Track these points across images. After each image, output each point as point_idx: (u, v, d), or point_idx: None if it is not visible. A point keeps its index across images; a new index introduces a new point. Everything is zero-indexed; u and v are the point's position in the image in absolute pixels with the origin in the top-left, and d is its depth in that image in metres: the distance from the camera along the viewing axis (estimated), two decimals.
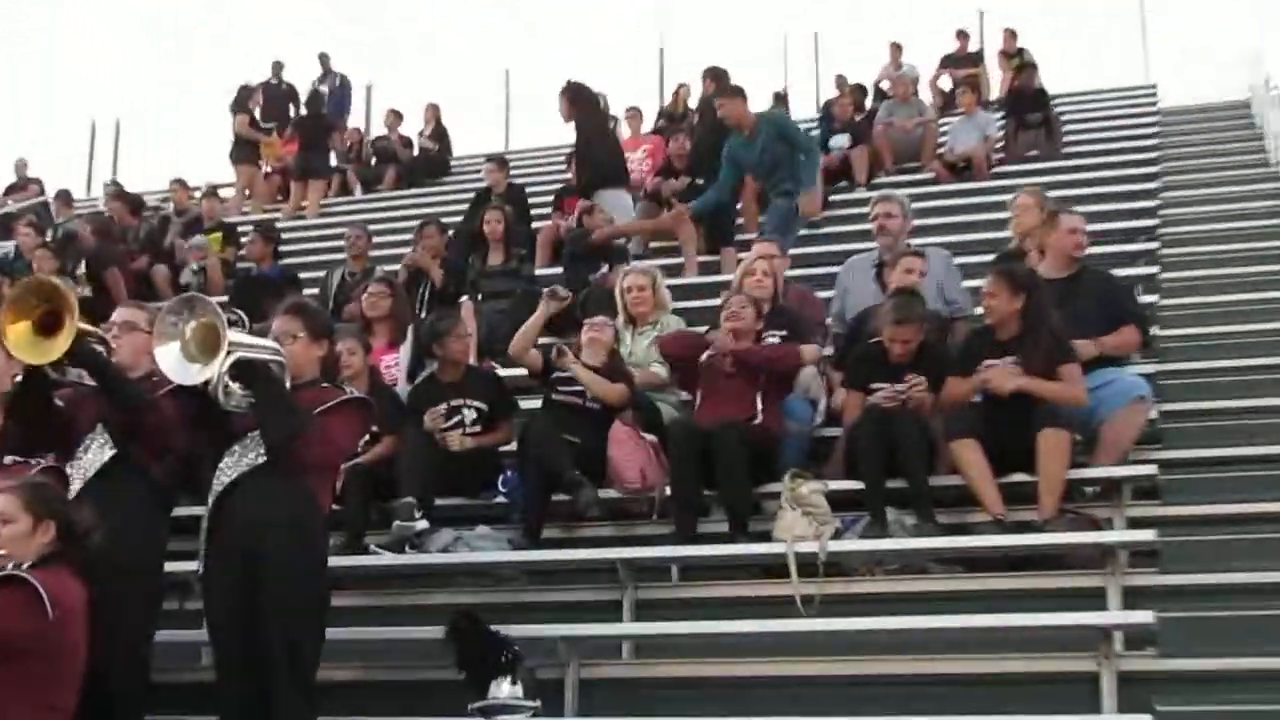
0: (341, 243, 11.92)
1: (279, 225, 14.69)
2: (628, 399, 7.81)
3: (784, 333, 8.03)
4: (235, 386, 5.54)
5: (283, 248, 13.25)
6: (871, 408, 7.19)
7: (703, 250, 11.68)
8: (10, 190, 19.36)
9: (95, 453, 5.75)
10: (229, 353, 5.38)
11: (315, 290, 11.28)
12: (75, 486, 5.63)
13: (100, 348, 5.83)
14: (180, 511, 6.20)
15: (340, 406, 5.79)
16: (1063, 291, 7.51)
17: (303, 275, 12.34)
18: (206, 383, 5.45)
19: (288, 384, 5.69)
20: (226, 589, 5.59)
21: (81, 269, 12.71)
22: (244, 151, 18.27)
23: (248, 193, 18.30)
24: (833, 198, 13.49)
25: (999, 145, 14.95)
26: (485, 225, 10.97)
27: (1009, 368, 6.96)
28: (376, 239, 12.51)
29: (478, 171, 15.60)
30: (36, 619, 4.61)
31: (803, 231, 11.76)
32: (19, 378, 5.80)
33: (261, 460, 5.60)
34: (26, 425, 5.76)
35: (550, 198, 13.68)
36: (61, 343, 5.37)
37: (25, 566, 4.77)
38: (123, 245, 14.32)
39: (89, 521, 4.99)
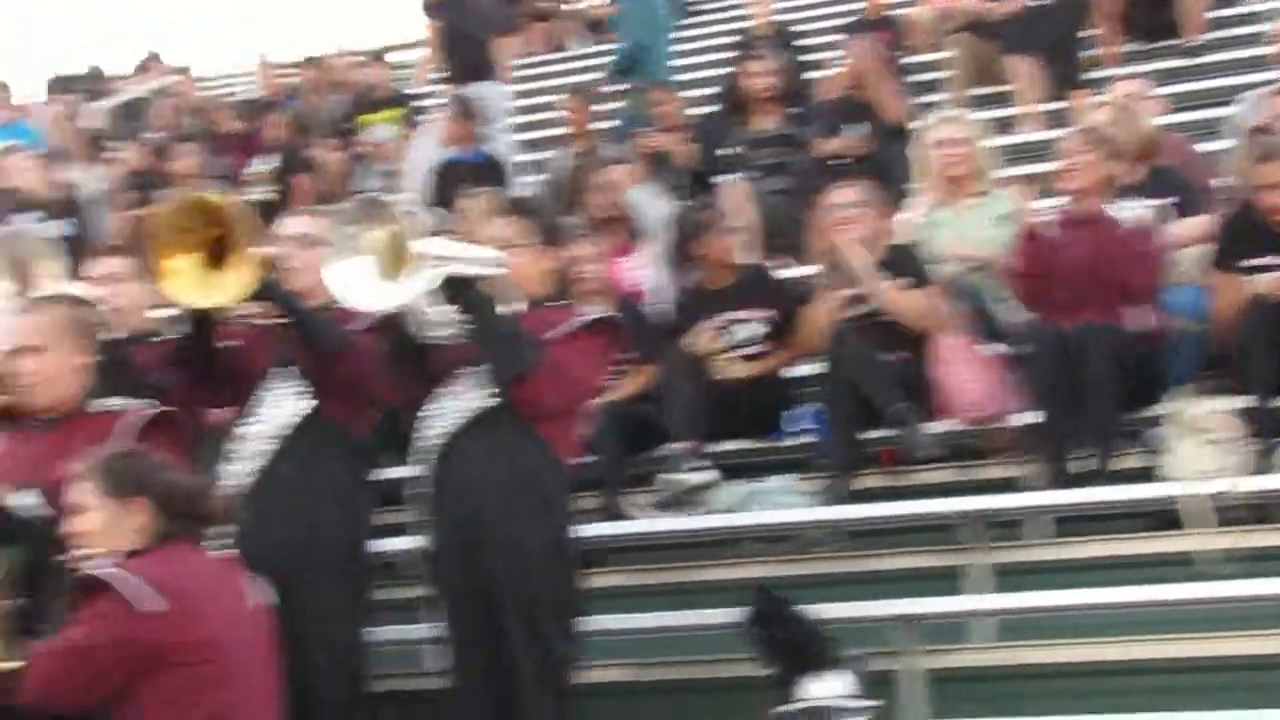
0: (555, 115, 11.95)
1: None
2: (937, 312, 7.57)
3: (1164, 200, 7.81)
4: (439, 312, 5.54)
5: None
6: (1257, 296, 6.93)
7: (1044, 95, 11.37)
8: (138, 72, 19.96)
9: (278, 406, 5.83)
10: (431, 267, 5.31)
11: (536, 179, 11.28)
12: (258, 449, 5.74)
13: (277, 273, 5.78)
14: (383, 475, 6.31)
15: (580, 332, 5.74)
16: None
17: (517, 159, 12.44)
18: (402, 309, 5.45)
19: (510, 306, 5.65)
20: (450, 572, 5.64)
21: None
22: None
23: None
24: (1214, 13, 12.92)
25: None
26: (747, 79, 10.83)
27: None
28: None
29: (735, 8, 15.43)
30: (135, 621, 4.59)
31: (1174, 62, 11.47)
32: (174, 313, 5.85)
33: (485, 404, 5.61)
34: (191, 376, 5.79)
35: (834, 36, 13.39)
36: (237, 278, 5.38)
37: (112, 561, 4.75)
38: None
39: (195, 484, 4.96)
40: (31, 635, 4.87)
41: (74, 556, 4.79)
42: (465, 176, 11.55)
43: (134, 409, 5.41)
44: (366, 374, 5.71)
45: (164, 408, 5.48)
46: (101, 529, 4.80)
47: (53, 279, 5.93)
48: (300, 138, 14.02)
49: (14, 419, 5.53)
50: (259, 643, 4.87)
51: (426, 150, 12.40)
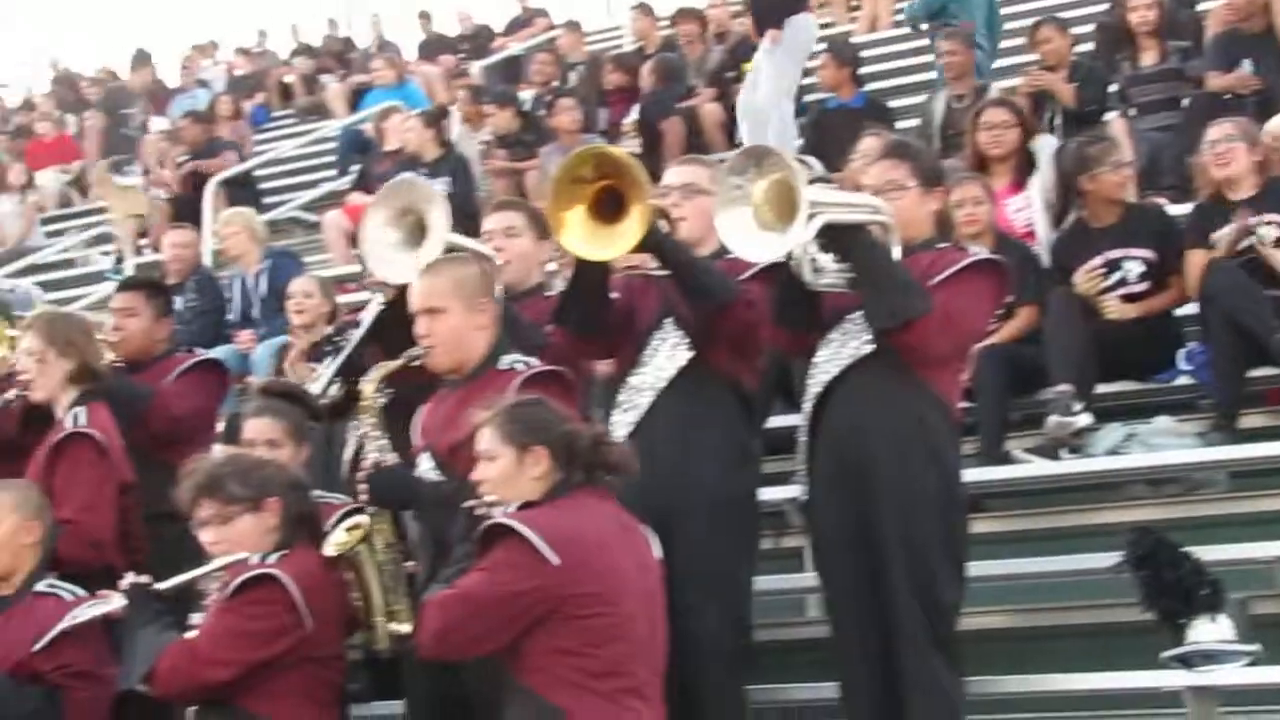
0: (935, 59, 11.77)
1: (854, 41, 14.65)
2: None
3: None
4: (826, 259, 5.46)
5: (863, 70, 13.17)
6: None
7: None
8: (515, 28, 20.35)
9: (664, 357, 5.82)
10: (813, 215, 5.22)
11: (914, 123, 11.21)
12: (644, 400, 5.74)
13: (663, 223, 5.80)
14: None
15: (965, 273, 5.58)
16: None
17: (892, 104, 12.32)
18: (788, 257, 5.40)
19: (895, 250, 5.55)
20: (834, 518, 5.58)
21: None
22: None
23: None
24: None
25: None
26: (1129, 13, 10.55)
27: None
28: None
29: None
30: (539, 571, 4.65)
31: None
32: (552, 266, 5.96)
33: (867, 350, 5.53)
34: (578, 329, 5.87)
35: None
36: (630, 229, 5.39)
37: (513, 509, 4.84)
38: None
39: (594, 434, 4.97)
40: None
41: (478, 506, 4.87)
42: (844, 122, 11.55)
43: (527, 364, 5.53)
44: (753, 323, 5.64)
45: (553, 364, 5.59)
46: (502, 478, 4.86)
47: (443, 230, 6.01)
48: (673, 87, 14.17)
49: (428, 381, 5.70)
50: (653, 597, 4.87)
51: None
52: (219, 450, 6.26)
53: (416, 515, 5.63)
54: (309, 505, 5.52)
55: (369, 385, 5.68)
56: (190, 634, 5.25)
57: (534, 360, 5.58)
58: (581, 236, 5.46)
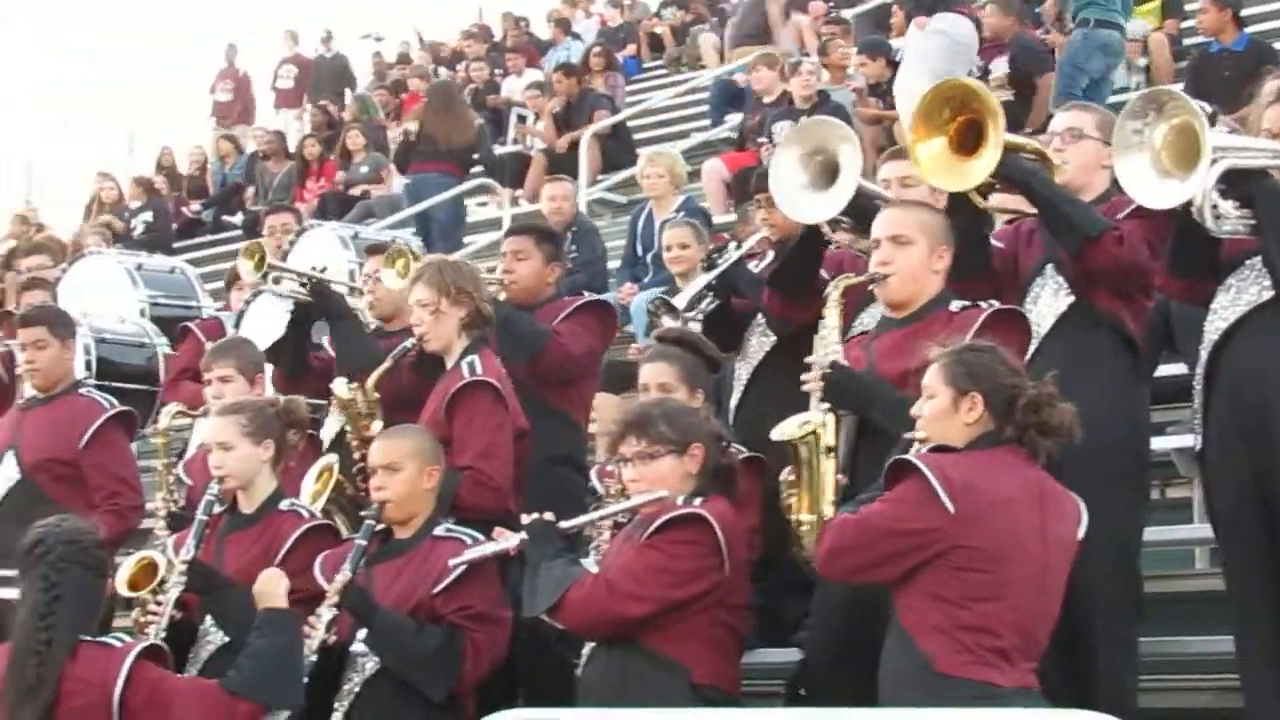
0: None
1: None
2: None
3: None
4: (1227, 205, 5.37)
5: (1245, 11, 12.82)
6: None
7: None
8: None
9: (1045, 304, 5.83)
10: (1215, 160, 5.18)
11: None
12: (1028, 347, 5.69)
13: (1033, 161, 5.81)
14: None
15: None
16: None
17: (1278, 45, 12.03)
18: (1188, 203, 5.33)
19: None
20: (1230, 468, 5.51)
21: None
22: None
23: None
24: None
25: None
26: None
27: None
28: None
29: None
30: (933, 515, 4.69)
31: None
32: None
33: (1268, 297, 5.44)
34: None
35: None
36: (986, 162, 5.47)
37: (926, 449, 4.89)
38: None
39: (1035, 391, 4.91)
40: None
41: (911, 438, 4.94)
42: (1227, 65, 11.28)
43: (988, 304, 5.60)
44: (1125, 259, 5.61)
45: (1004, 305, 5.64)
46: (935, 417, 4.90)
47: (855, 171, 6.07)
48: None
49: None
50: (1050, 570, 4.79)
51: None
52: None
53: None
54: (727, 457, 5.65)
55: (835, 291, 5.76)
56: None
57: (994, 301, 5.64)
58: (940, 168, 5.56)
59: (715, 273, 6.89)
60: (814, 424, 5.39)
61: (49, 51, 33.09)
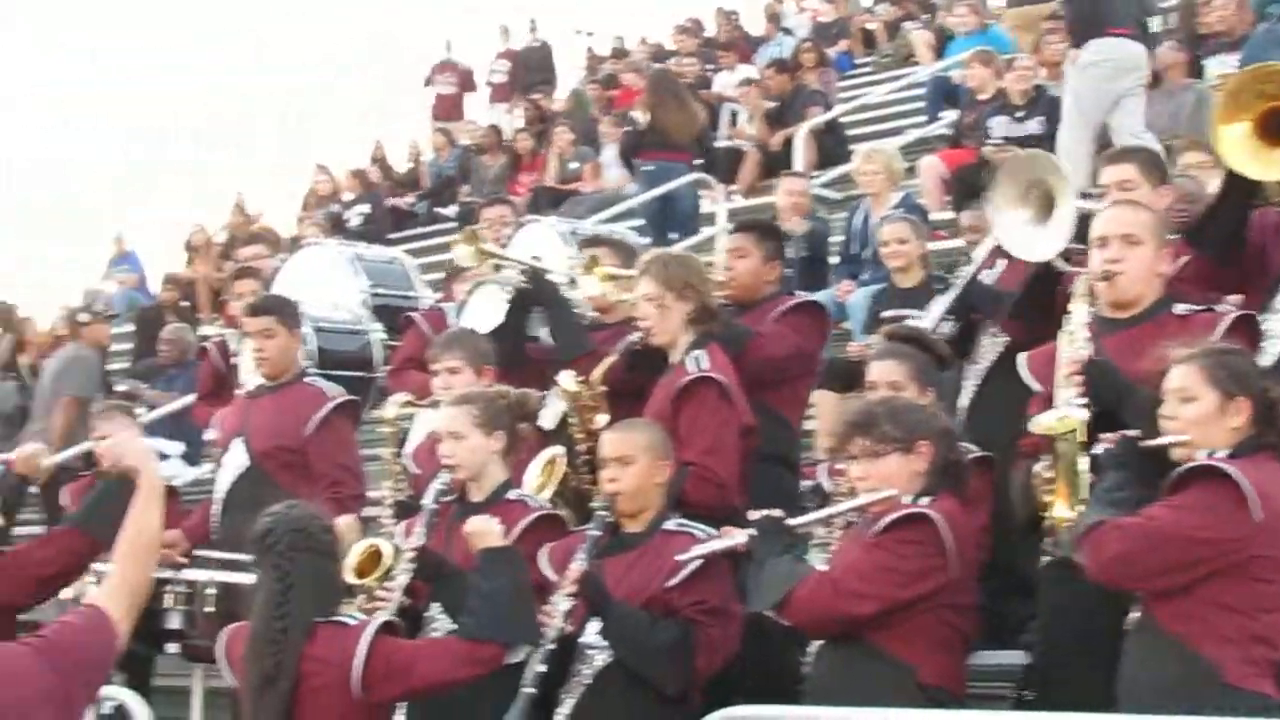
0: None
1: None
2: None
3: None
4: None
5: None
6: None
7: None
8: None
9: None
10: None
11: None
12: (1276, 348, 5.61)
13: None
14: None
15: None
16: None
17: None
18: None
19: None
20: None
21: None
22: None
23: None
24: None
25: None
26: None
27: None
28: None
29: None
30: (1239, 523, 4.60)
31: None
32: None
33: None
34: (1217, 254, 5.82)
35: None
36: None
37: (1217, 455, 4.77)
38: None
39: None
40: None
41: (1170, 441, 4.86)
42: None
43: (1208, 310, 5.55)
44: None
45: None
46: (1199, 420, 4.83)
47: (1072, 196, 6.04)
48: None
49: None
50: None
51: None
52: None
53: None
54: (956, 454, 5.61)
55: (1081, 286, 5.70)
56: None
57: (1227, 304, 5.60)
58: (1242, 151, 5.48)
59: (953, 293, 6.84)
60: (1074, 420, 5.30)
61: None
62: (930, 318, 6.95)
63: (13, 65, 32.02)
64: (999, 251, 6.77)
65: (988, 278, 6.84)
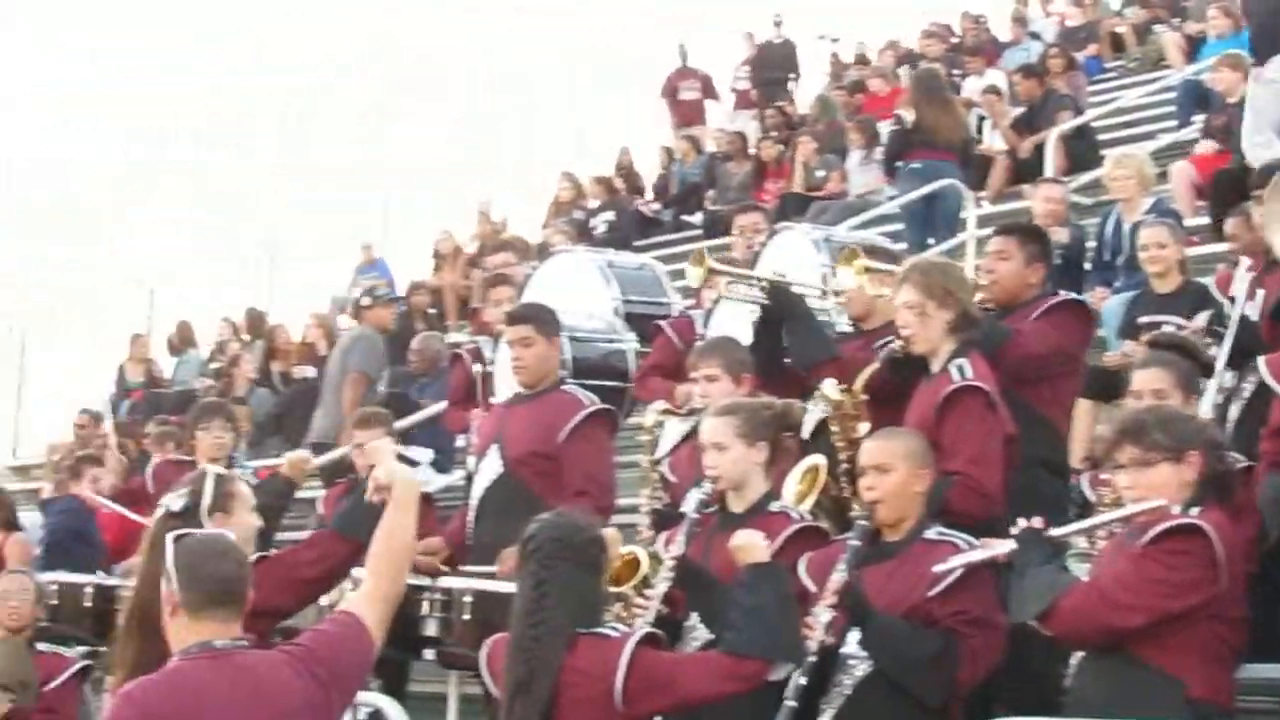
0: None
1: None
2: None
3: None
4: None
5: None
6: None
7: None
8: None
9: None
10: None
11: None
12: None
13: None
14: None
15: None
16: None
17: None
18: None
19: None
20: None
21: None
22: None
23: None
24: None
25: None
26: None
27: None
28: None
29: None
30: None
31: None
32: None
33: None
34: None
35: None
36: None
37: None
38: None
39: None
40: None
41: None
42: None
43: None
44: None
45: None
46: None
47: None
48: None
49: None
50: None
51: None
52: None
53: None
54: (1226, 465, 5.54)
55: None
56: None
57: None
58: None
59: (1228, 343, 6.74)
60: None
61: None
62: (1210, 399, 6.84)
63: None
64: (1257, 282, 6.66)
65: (1251, 311, 6.71)
